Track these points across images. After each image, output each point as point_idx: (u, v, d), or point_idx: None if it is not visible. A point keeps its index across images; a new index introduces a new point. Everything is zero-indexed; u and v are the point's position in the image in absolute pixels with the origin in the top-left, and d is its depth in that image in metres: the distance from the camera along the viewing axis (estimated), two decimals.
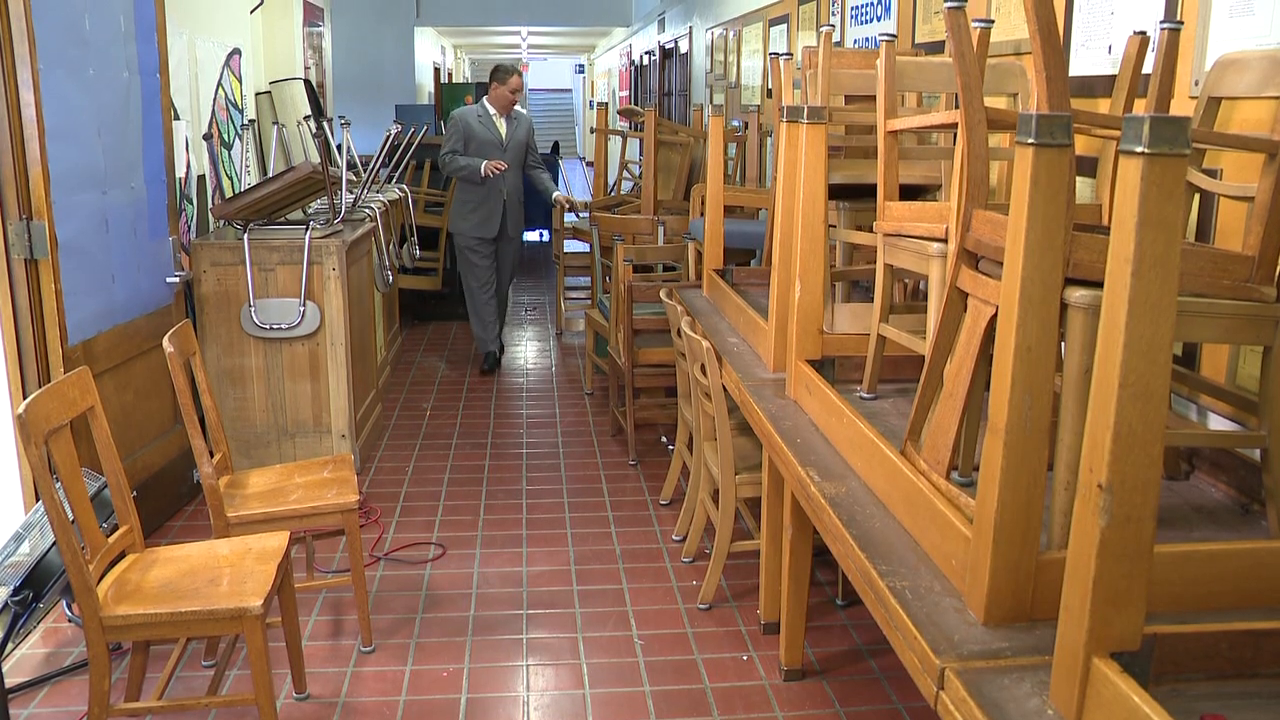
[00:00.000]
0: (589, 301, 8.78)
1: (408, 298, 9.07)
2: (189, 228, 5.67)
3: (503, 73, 7.21)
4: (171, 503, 5.02)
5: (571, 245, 9.52)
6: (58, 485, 2.85)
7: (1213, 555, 1.92)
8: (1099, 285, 1.79)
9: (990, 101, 3.05)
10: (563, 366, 7.93)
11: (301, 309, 5.20)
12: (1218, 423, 2.67)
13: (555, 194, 7.43)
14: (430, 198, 9.18)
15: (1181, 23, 2.68)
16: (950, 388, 2.32)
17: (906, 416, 2.98)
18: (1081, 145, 3.14)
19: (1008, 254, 1.89)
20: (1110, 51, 3.19)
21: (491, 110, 7.23)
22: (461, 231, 7.33)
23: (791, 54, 4.41)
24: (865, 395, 3.20)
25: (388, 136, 6.60)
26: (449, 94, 17.21)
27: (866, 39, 5.60)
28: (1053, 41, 1.93)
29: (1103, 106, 3.12)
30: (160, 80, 4.88)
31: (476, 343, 7.70)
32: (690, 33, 12.04)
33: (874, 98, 3.55)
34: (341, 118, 6.49)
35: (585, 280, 9.95)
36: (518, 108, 7.40)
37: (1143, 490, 1.58)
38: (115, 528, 3.14)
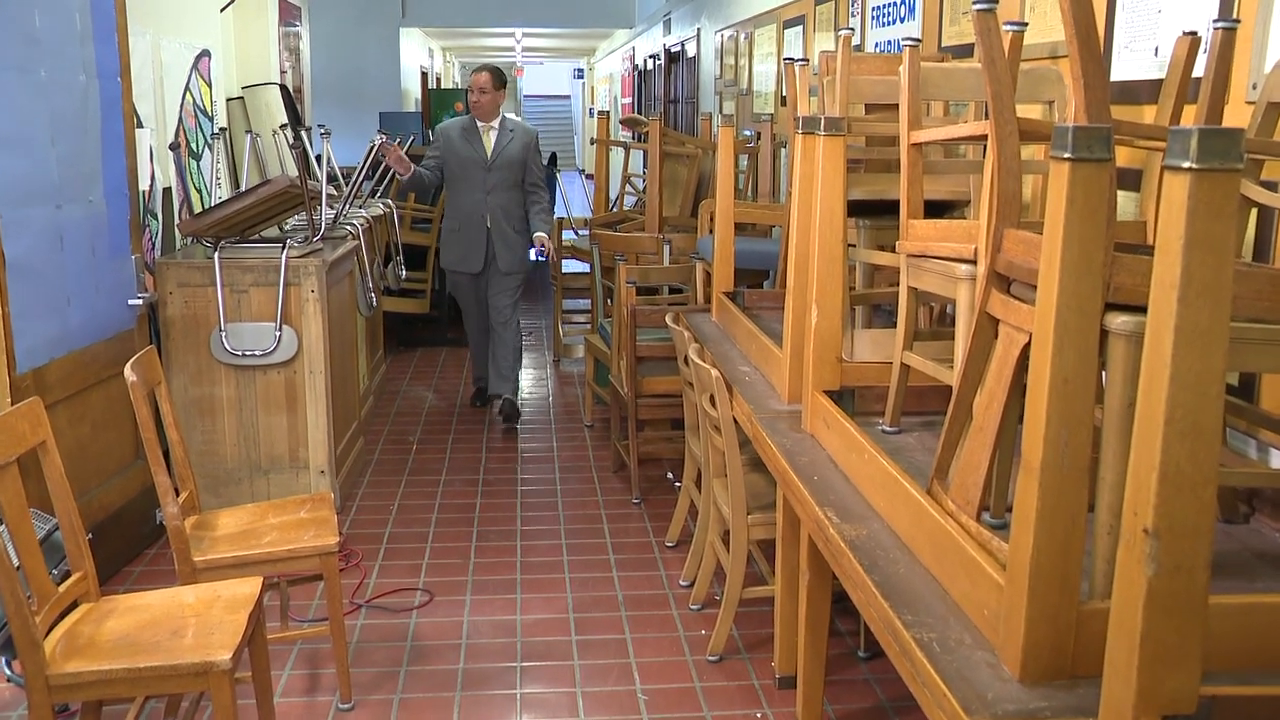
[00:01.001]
0: (589, 326, 8.78)
1: (393, 322, 9.08)
2: (153, 245, 5.68)
3: (473, 74, 6.97)
4: (131, 546, 5.01)
5: (570, 265, 9.53)
6: (2, 528, 2.84)
7: (1278, 608, 1.90)
8: (1143, 310, 1.79)
9: (1024, 110, 3.05)
10: (560, 396, 7.93)
11: (277, 334, 5.20)
12: None
13: (538, 234, 6.85)
14: (417, 214, 9.20)
15: (1238, 21, 2.67)
16: (980, 421, 2.31)
17: (933, 452, 2.97)
18: (1124, 156, 3.14)
19: (1042, 277, 1.88)
20: (1157, 53, 3.19)
21: (479, 122, 6.86)
22: (446, 263, 7.09)
23: (807, 59, 4.42)
24: (888, 429, 3.19)
25: (371, 147, 6.63)
26: (437, 101, 17.26)
27: (889, 43, 5.62)
28: (1091, 47, 1.93)
29: (1148, 114, 3.12)
30: (121, 84, 4.89)
31: (472, 372, 7.67)
32: (698, 35, 12.09)
33: (896, 107, 3.55)
34: (321, 127, 6.50)
35: (585, 303, 9.95)
36: (514, 117, 7.09)
37: (1193, 536, 1.56)
38: (67, 574, 3.11)
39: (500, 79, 6.86)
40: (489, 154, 6.77)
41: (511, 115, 7.12)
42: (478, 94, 6.78)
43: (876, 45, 5.81)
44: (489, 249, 6.85)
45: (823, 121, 3.18)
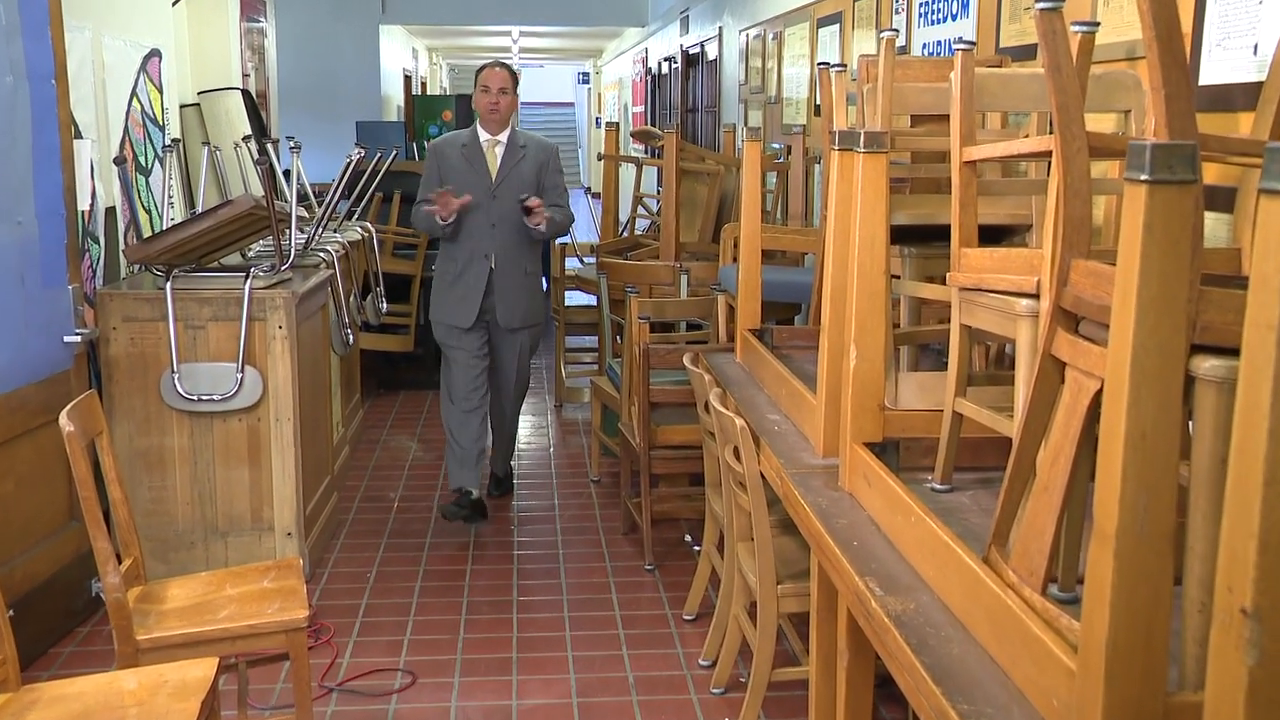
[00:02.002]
0: (595, 368, 8.79)
1: (372, 361, 9.10)
2: (94, 274, 5.70)
3: (480, 71, 6.33)
4: (62, 622, 4.99)
5: (574, 297, 9.55)
6: None
7: None
8: (1236, 353, 1.77)
9: (1095, 121, 3.05)
10: (563, 447, 7.93)
11: (239, 376, 5.22)
12: None
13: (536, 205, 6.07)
14: (400, 239, 9.24)
15: None
16: (1045, 480, 2.30)
17: (990, 514, 2.96)
18: (1214, 173, 3.13)
19: (1115, 315, 1.87)
20: (1256, 52, 3.17)
21: (483, 135, 6.23)
22: (435, 316, 6.32)
23: (845, 64, 4.43)
24: (938, 487, 3.18)
25: (348, 163, 6.65)
26: (423, 108, 17.34)
27: (938, 44, 5.63)
28: (1174, 49, 1.92)
29: (1244, 123, 3.12)
30: (56, 88, 4.90)
31: (448, 473, 6.41)
32: (720, 35, 12.16)
33: (947, 119, 3.56)
34: (290, 139, 6.53)
35: (591, 341, 9.96)
36: (522, 129, 6.44)
37: None
38: None
39: (515, 77, 6.30)
40: (494, 176, 6.16)
41: (524, 129, 6.49)
42: (495, 95, 6.15)
43: (924, 47, 5.83)
44: (489, 298, 6.17)
45: (862, 136, 3.18)
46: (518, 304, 6.24)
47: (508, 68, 6.29)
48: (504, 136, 6.20)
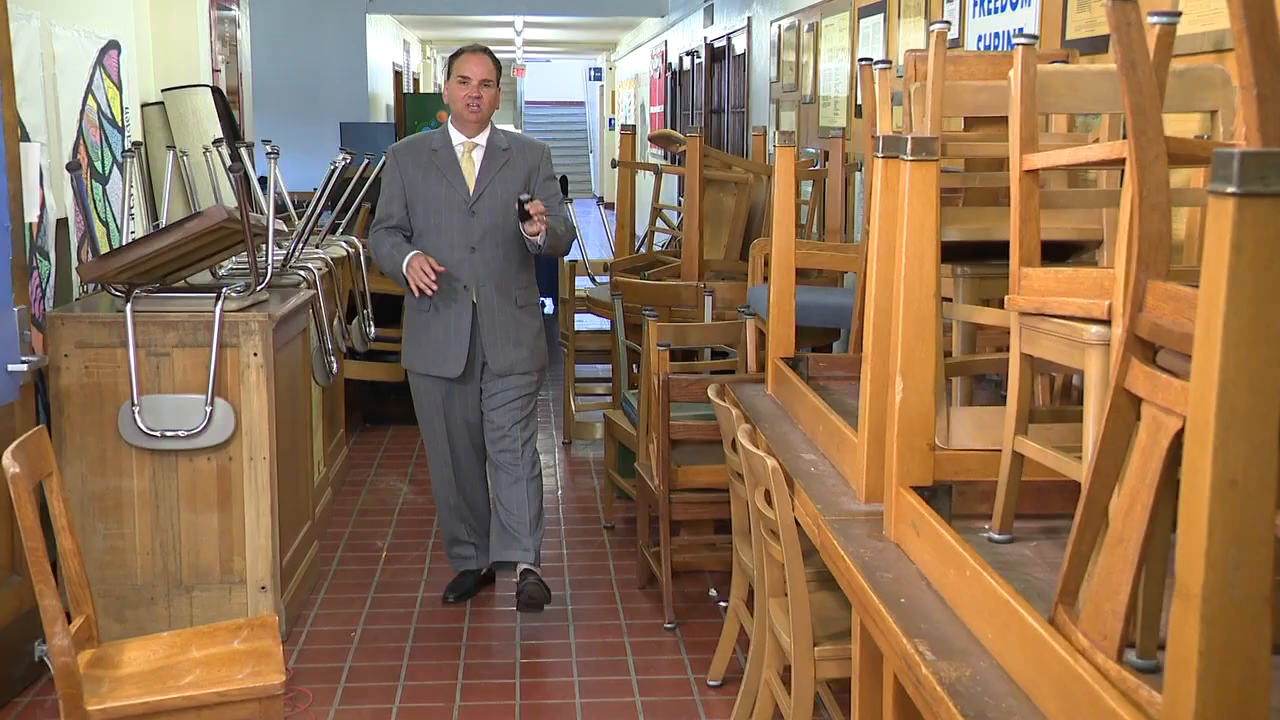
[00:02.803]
0: (609, 400, 8.79)
1: (359, 392, 9.12)
2: (43, 294, 5.70)
3: (454, 58, 5.93)
4: (1, 691, 4.98)
5: (585, 321, 9.54)
6: None
7: None
8: None
9: (1176, 124, 3.05)
10: (572, 489, 7.93)
11: (208, 409, 5.23)
12: None
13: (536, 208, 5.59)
14: None
15: None
16: (1120, 531, 2.29)
17: (1056, 569, 2.94)
18: None
19: (1199, 344, 1.86)
20: None
21: (456, 137, 5.81)
22: (410, 364, 5.93)
23: (890, 60, 4.44)
24: (997, 537, 3.17)
25: (332, 170, 6.66)
26: (415, 108, 17.45)
27: (996, 36, 5.64)
28: (1268, 43, 1.91)
29: None
30: (0, 85, 4.93)
31: (445, 542, 6.30)
32: (749, 26, 12.20)
33: (1005, 121, 3.56)
34: (267, 143, 6.54)
35: (604, 370, 9.97)
36: (510, 129, 6.12)
37: None
38: None
39: (499, 66, 5.91)
40: (472, 187, 5.73)
41: (507, 127, 6.20)
42: (477, 87, 5.73)
43: (980, 40, 5.84)
44: (475, 341, 5.76)
45: (909, 141, 3.18)
46: (516, 345, 5.80)
47: (490, 54, 5.83)
48: (483, 139, 5.78)
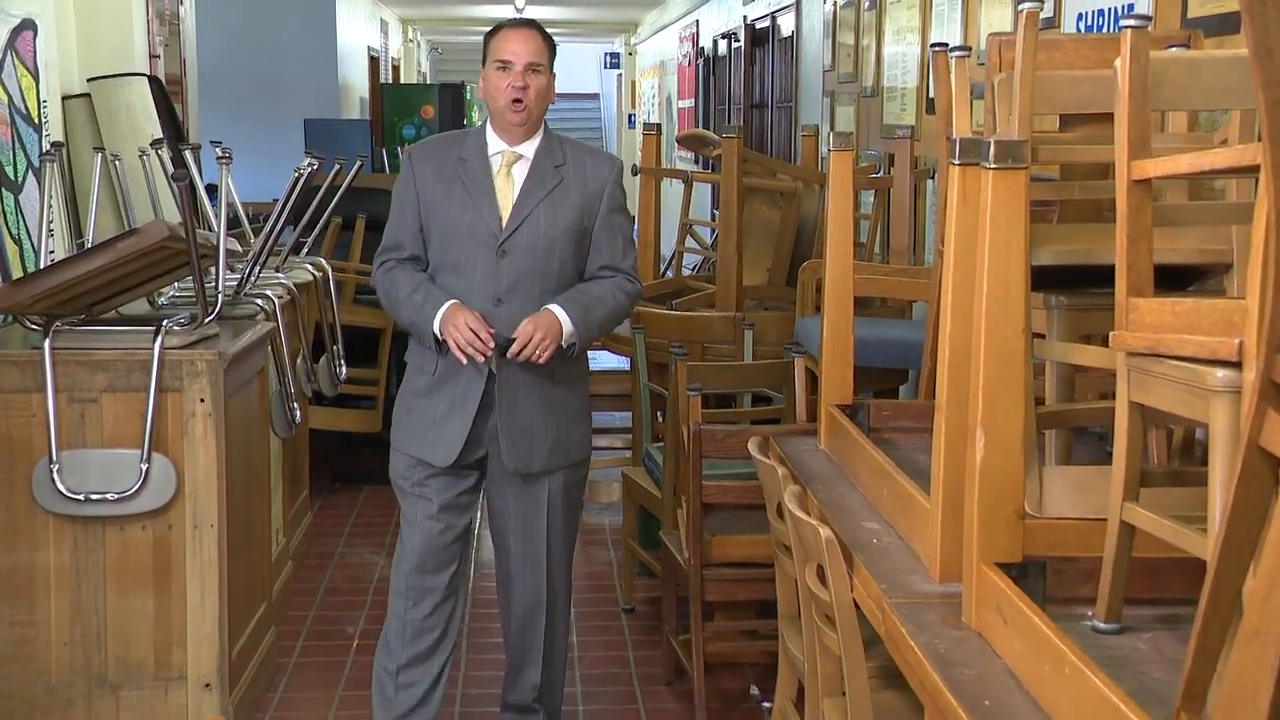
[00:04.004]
0: (628, 455, 8.78)
1: (326, 445, 9.09)
2: None
3: (491, 36, 5.25)
4: None
5: (600, 359, 9.54)
6: None
7: None
8: None
9: None
10: (585, 562, 7.92)
11: (143, 467, 5.21)
12: None
13: (549, 310, 5.00)
14: (364, 279, 9.24)
15: None
16: (1256, 621, 2.29)
17: (1176, 666, 2.94)
18: None
19: None
20: None
21: (494, 142, 5.20)
22: (396, 441, 5.33)
23: (969, 46, 4.44)
24: (1102, 626, 3.16)
25: (296, 177, 6.66)
26: (395, 102, 17.50)
27: (1099, 15, 5.65)
28: None
29: None
30: None
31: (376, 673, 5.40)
32: (797, 2, 12.23)
33: (1110, 119, 3.57)
34: (217, 144, 6.56)
35: (623, 418, 9.95)
36: (563, 133, 5.45)
37: None
38: None
39: (553, 45, 5.27)
40: (506, 216, 5.11)
41: (567, 135, 5.49)
42: (522, 74, 5.09)
43: (1080, 20, 5.85)
44: (485, 420, 5.15)
45: (992, 145, 3.18)
46: (537, 432, 5.18)
47: (539, 28, 5.25)
48: (529, 148, 5.17)
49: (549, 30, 5.21)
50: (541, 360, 4.90)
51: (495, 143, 5.15)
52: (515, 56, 5.06)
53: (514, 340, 4.86)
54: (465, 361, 4.91)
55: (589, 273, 5.18)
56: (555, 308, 4.96)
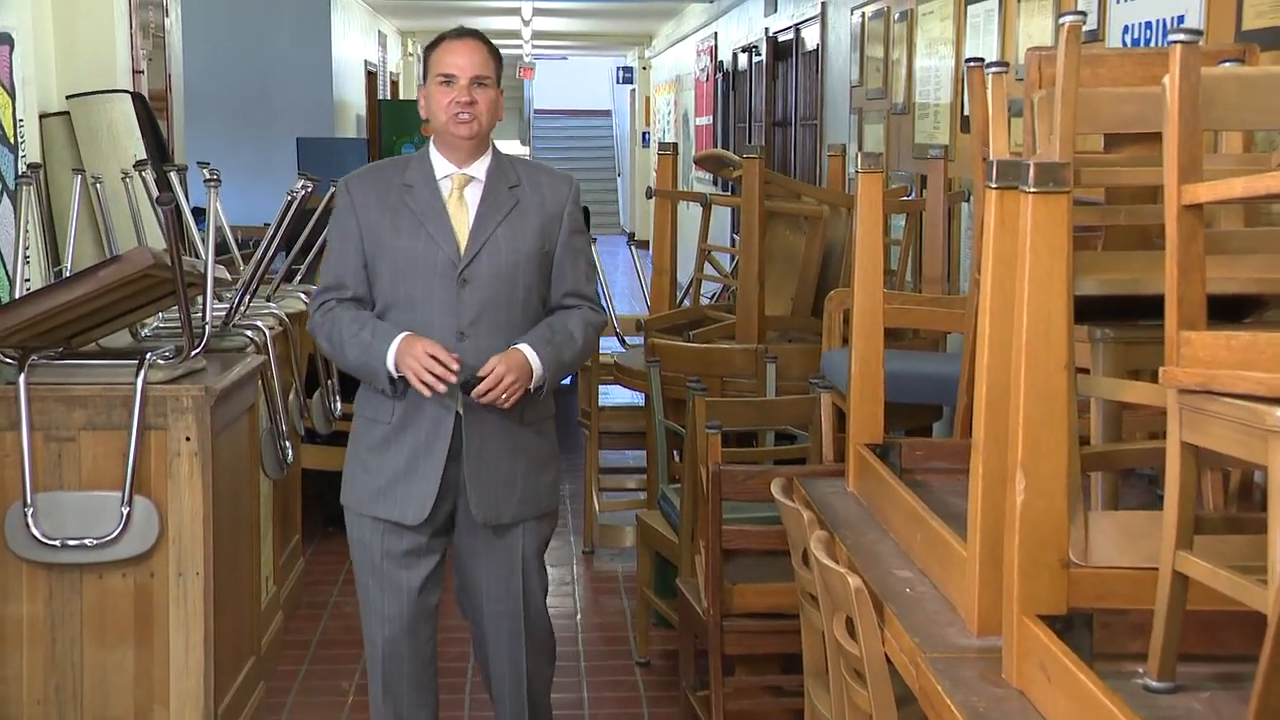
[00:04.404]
0: (642, 497, 8.78)
1: (320, 487, 9.06)
2: None
3: (432, 49, 5.19)
4: None
5: (612, 394, 9.54)
6: None
7: None
8: None
9: None
10: (595, 612, 7.93)
11: (124, 510, 5.22)
12: None
13: (517, 349, 4.95)
14: None
15: None
16: None
17: None
18: None
19: None
20: None
21: (442, 166, 5.13)
22: (348, 500, 5.27)
23: (1006, 62, 4.44)
24: (1155, 685, 3.14)
25: (289, 201, 6.66)
26: (393, 119, 17.54)
27: (1146, 27, 5.64)
28: None
29: None
30: None
31: None
32: (823, 14, 12.27)
33: (1158, 139, 3.56)
34: (204, 165, 6.57)
35: (636, 458, 9.95)
36: (523, 155, 5.57)
37: None
38: None
39: (499, 57, 5.20)
40: (463, 243, 5.05)
41: (514, 151, 5.87)
42: (467, 88, 5.02)
43: (1125, 33, 5.84)
44: (454, 473, 5.08)
45: (1032, 167, 3.18)
46: (505, 480, 5.12)
47: (483, 39, 5.16)
48: (480, 168, 5.13)
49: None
50: (507, 406, 4.89)
51: (442, 165, 5.10)
52: (459, 70, 5.00)
53: (480, 379, 4.82)
54: (428, 394, 4.82)
55: (553, 300, 5.15)
56: (525, 348, 4.94)
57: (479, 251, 4.98)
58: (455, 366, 4.77)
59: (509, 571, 5.17)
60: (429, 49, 5.15)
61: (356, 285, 5.03)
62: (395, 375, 4.86)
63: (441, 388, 4.78)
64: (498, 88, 5.11)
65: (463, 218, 5.04)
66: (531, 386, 4.92)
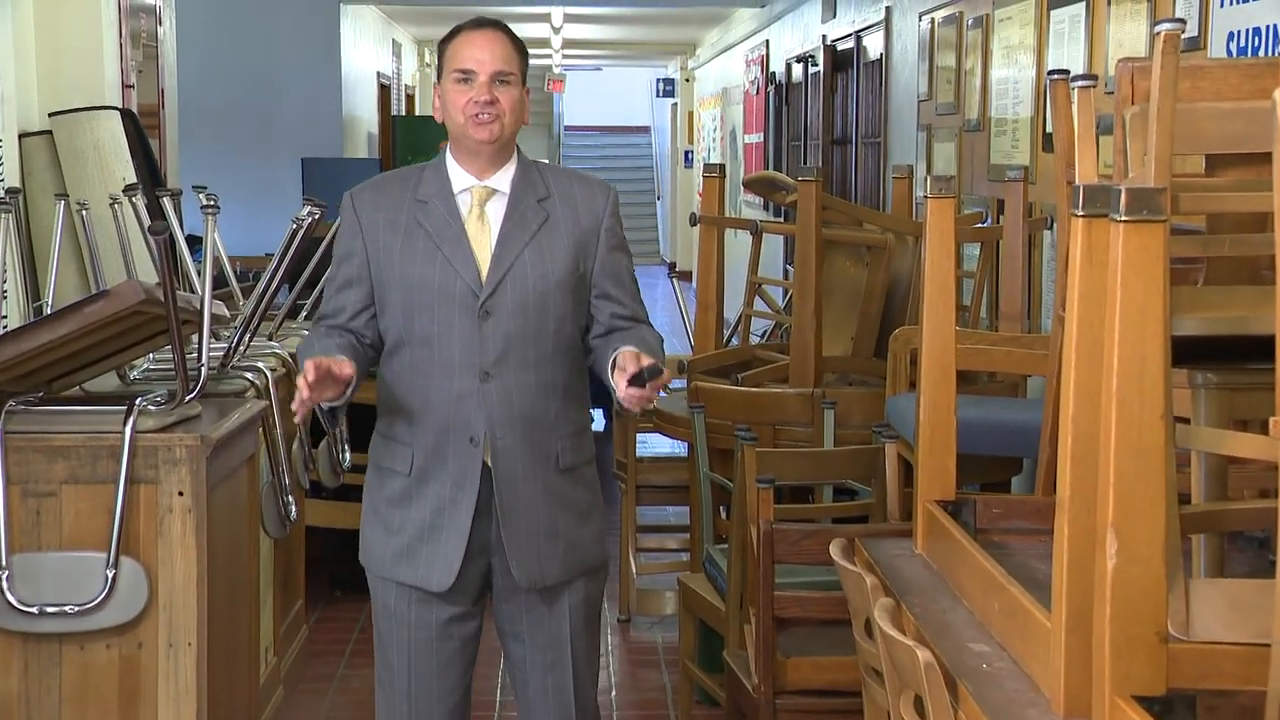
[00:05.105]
0: (685, 558, 8.77)
1: (326, 547, 9.09)
2: None
3: (447, 42, 4.97)
4: None
5: (651, 443, 9.54)
6: None
7: None
8: None
9: None
10: (632, 687, 7.95)
11: (109, 573, 5.22)
12: None
13: (629, 352, 4.65)
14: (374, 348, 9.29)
15: None
16: None
17: None
18: None
19: None
20: None
21: (460, 178, 4.92)
22: (367, 560, 5.12)
23: (1094, 74, 4.42)
24: None
25: (294, 229, 6.66)
26: (408, 136, 17.59)
27: (1254, 34, 5.62)
28: None
29: None
30: None
31: None
32: (887, 19, 12.28)
33: (1267, 160, 3.55)
34: (201, 190, 6.57)
35: (678, 514, 9.95)
36: (544, 162, 5.29)
37: None
38: None
39: (524, 51, 5.00)
40: (484, 266, 4.86)
41: (546, 162, 5.39)
42: (486, 87, 4.81)
43: (1231, 42, 5.83)
44: (485, 531, 4.91)
45: (1123, 194, 3.17)
46: (546, 535, 4.94)
47: (505, 30, 4.97)
48: (504, 179, 4.93)
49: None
50: (638, 409, 4.72)
51: (460, 176, 4.89)
52: (478, 64, 4.80)
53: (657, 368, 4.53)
54: (296, 413, 4.58)
55: (597, 331, 4.95)
56: (629, 348, 4.66)
57: (503, 278, 4.79)
58: (308, 389, 4.44)
59: (555, 640, 4.99)
60: (444, 42, 4.95)
61: (357, 317, 4.89)
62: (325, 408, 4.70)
63: (299, 410, 4.51)
64: (523, 85, 4.90)
65: (484, 238, 4.85)
66: (641, 395, 4.60)
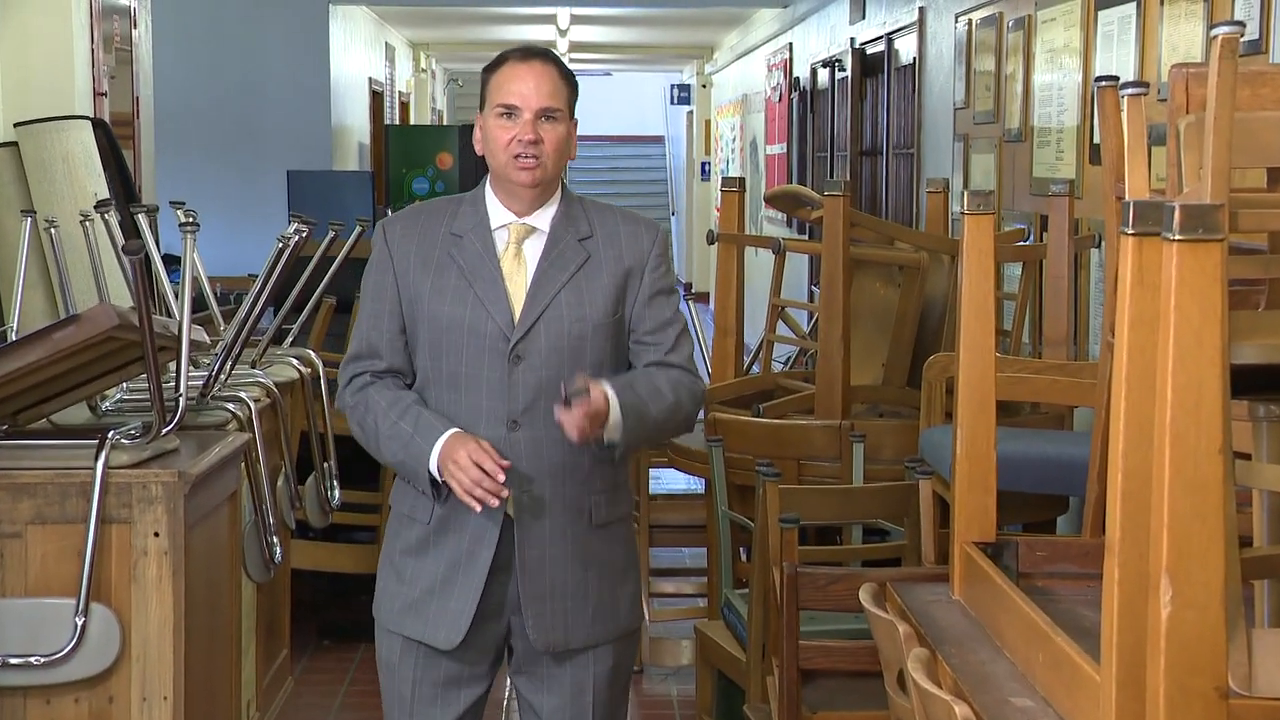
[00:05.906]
0: (702, 604, 8.77)
1: (313, 590, 9.10)
2: None
3: (491, 71, 4.98)
4: None
5: (666, 479, 9.54)
6: None
7: None
8: None
9: None
10: None
11: (78, 621, 5.22)
12: None
13: (604, 386, 4.64)
14: None
15: None
16: None
17: None
18: None
19: None
20: None
21: (498, 213, 4.93)
22: (381, 615, 5.11)
23: (1146, 81, 4.42)
24: None
25: (279, 248, 6.67)
26: (402, 148, 17.60)
27: None
28: None
29: None
30: None
31: None
32: (920, 21, 12.29)
33: None
34: (179, 205, 6.59)
35: (695, 556, 9.95)
36: (585, 195, 5.22)
37: None
38: None
39: (573, 82, 5.05)
40: (518, 309, 4.87)
41: (592, 198, 5.27)
42: (531, 124, 4.80)
43: None
44: (503, 585, 4.91)
45: (1177, 210, 3.17)
46: (573, 596, 4.93)
47: (555, 61, 5.00)
48: (544, 218, 4.94)
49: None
50: (575, 437, 4.55)
51: (499, 212, 4.90)
52: (523, 100, 4.79)
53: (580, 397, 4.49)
54: (478, 509, 4.61)
55: (642, 361, 4.94)
56: (606, 385, 4.62)
57: (536, 321, 4.79)
58: (502, 478, 4.55)
59: (577, 710, 4.96)
60: (488, 70, 4.95)
61: (391, 355, 4.88)
62: (440, 479, 4.67)
63: (493, 501, 4.56)
64: (570, 119, 4.93)
65: (519, 278, 4.86)
66: (605, 437, 4.62)
